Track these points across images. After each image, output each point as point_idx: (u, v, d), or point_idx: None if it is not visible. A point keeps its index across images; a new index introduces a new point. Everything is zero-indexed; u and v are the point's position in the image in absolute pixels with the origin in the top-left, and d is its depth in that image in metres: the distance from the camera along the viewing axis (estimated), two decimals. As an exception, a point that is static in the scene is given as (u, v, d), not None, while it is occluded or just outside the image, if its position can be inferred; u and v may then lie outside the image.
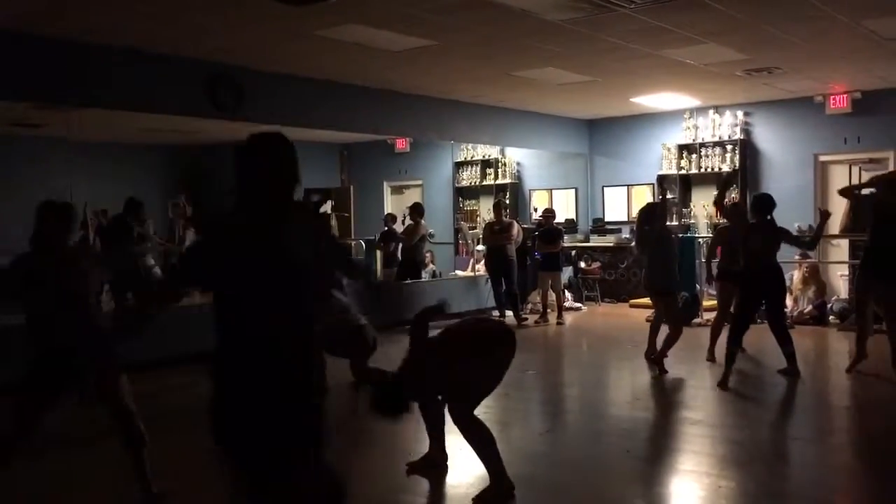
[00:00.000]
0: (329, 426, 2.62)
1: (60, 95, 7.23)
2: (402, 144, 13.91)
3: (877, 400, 6.33)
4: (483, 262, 11.33)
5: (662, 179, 11.98)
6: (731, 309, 7.16)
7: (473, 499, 3.98)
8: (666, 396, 6.64)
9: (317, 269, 2.66)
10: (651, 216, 7.48)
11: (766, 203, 6.86)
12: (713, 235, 8.21)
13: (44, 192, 4.78)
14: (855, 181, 9.91)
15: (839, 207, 8.84)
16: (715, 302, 10.04)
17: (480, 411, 4.10)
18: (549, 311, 10.60)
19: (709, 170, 11.71)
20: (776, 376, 6.83)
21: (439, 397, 4.19)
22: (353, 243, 12.23)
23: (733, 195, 10.93)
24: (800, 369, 6.77)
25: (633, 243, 8.65)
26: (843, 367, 7.14)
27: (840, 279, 10.51)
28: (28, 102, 7.50)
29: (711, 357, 7.50)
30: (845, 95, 10.48)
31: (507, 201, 12.42)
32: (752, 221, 6.93)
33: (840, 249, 10.45)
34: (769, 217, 6.76)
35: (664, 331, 7.30)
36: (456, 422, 4.04)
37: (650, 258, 7.43)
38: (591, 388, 7.13)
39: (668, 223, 8.12)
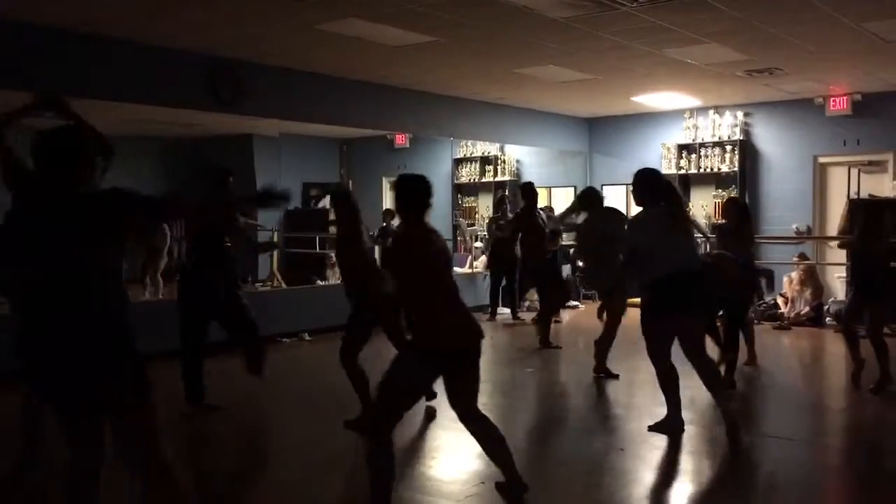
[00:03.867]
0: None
1: (59, 86, 7.19)
2: (401, 140, 13.89)
3: (871, 401, 6.33)
4: (482, 257, 11.29)
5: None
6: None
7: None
8: (661, 396, 6.63)
9: None
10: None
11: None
12: None
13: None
14: (854, 183, 9.94)
15: (837, 209, 8.82)
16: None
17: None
18: (546, 308, 10.55)
19: (708, 170, 11.72)
20: (771, 377, 6.83)
21: None
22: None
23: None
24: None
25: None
26: (838, 368, 7.14)
27: (837, 281, 10.52)
28: (26, 93, 7.46)
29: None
30: (846, 97, 10.48)
31: (509, 196, 12.39)
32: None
33: (837, 251, 10.45)
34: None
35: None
36: None
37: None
38: (587, 386, 7.13)
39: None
